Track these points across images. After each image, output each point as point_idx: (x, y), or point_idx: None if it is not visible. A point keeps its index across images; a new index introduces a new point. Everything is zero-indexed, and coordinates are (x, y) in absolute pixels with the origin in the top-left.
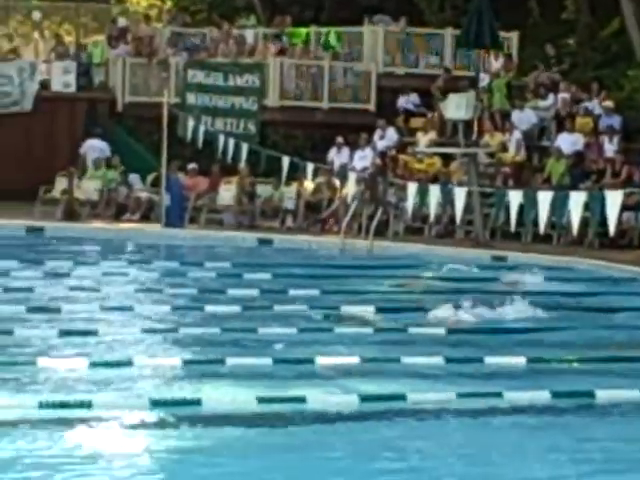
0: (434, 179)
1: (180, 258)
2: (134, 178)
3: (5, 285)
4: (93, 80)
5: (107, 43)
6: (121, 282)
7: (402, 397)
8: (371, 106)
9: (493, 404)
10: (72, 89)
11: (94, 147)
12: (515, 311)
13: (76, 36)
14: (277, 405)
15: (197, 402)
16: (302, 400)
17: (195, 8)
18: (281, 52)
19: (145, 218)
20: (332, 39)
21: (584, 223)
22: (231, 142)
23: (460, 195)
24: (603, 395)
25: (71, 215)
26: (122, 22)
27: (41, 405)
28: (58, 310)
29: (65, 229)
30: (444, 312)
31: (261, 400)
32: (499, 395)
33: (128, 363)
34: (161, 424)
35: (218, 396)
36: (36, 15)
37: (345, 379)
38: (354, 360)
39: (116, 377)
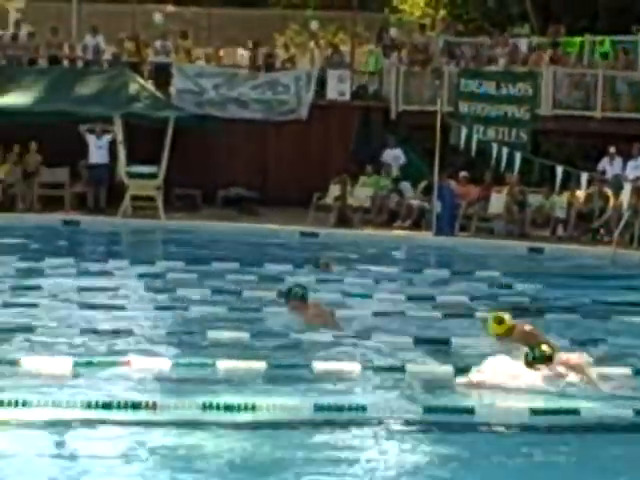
0: None
1: (450, 266)
2: (405, 185)
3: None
4: (367, 89)
5: (381, 52)
6: (392, 288)
7: None
8: None
9: None
10: (346, 97)
11: (390, 155)
12: None
13: (351, 45)
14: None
15: (470, 411)
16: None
17: (468, 17)
18: (554, 61)
19: (416, 225)
20: (607, 48)
21: None
22: (504, 151)
23: None
24: None
25: (344, 221)
26: (395, 31)
27: (316, 408)
28: None
29: (337, 235)
30: None
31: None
32: None
33: (400, 369)
34: (430, 430)
35: (491, 404)
36: (313, 25)
37: None
38: None
39: (389, 382)
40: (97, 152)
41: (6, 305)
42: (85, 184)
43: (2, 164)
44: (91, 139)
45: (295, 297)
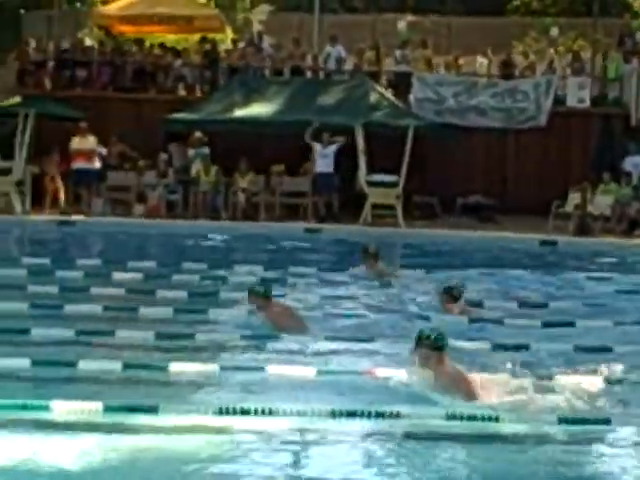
0: None
1: None
2: None
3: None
4: (607, 95)
5: (622, 58)
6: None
7: None
8: None
9: None
10: (586, 105)
11: (631, 163)
12: None
13: (592, 52)
14: None
15: None
16: None
17: None
18: None
19: None
20: None
21: None
22: None
23: None
24: None
25: (583, 230)
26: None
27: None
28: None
29: (577, 243)
30: None
31: None
32: None
33: None
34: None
35: None
36: (553, 31)
37: None
38: None
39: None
40: (322, 161)
41: None
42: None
43: (246, 174)
44: (317, 148)
45: (257, 295)
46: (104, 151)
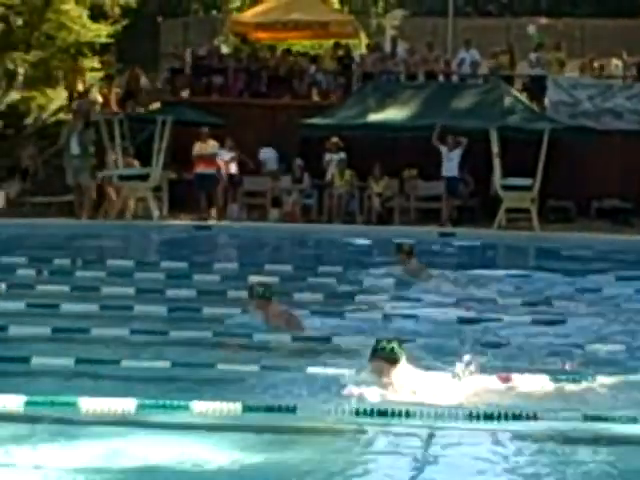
0: None
1: None
2: None
3: None
4: None
5: None
6: None
7: None
8: None
9: None
10: None
11: None
12: None
13: None
14: None
15: None
16: None
17: None
18: None
19: None
20: None
21: None
22: None
23: None
24: None
25: None
26: None
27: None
28: None
29: None
30: None
31: None
32: None
33: None
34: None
35: None
36: None
37: None
38: None
39: None
40: (447, 164)
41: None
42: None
43: (381, 178)
44: (443, 151)
45: (257, 296)
46: (227, 156)
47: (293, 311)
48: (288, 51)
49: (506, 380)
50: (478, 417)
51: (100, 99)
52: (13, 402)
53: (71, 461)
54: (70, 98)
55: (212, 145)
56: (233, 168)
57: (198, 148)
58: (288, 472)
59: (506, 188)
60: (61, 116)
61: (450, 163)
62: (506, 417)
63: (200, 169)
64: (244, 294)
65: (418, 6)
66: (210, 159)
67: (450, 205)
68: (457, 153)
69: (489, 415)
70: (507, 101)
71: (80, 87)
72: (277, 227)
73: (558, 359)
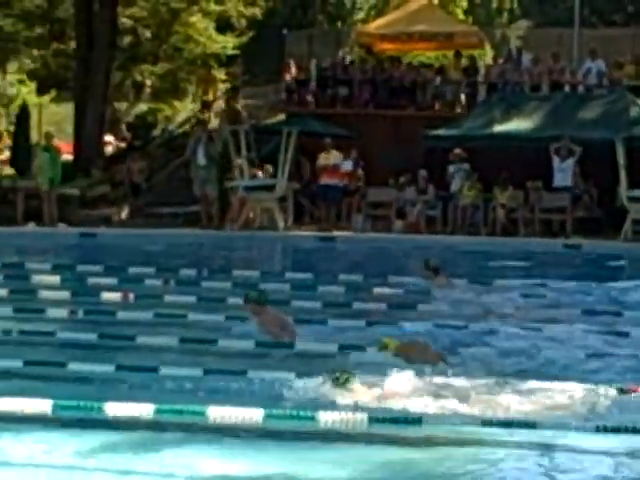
0: None
1: None
2: None
3: None
4: None
5: None
6: None
7: None
8: None
9: None
10: None
11: None
12: None
13: None
14: None
15: None
16: None
17: None
18: None
19: None
20: None
21: None
22: None
23: None
24: None
25: None
26: None
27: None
28: None
29: None
30: None
31: None
32: None
33: None
34: None
35: None
36: None
37: None
38: None
39: None
40: (558, 175)
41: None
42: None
43: (505, 189)
44: (555, 161)
45: (250, 301)
46: (351, 167)
47: (287, 317)
48: (413, 62)
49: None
50: (606, 429)
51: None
52: (144, 410)
53: (199, 470)
54: (202, 108)
55: (335, 156)
56: (357, 179)
57: (322, 159)
58: None
59: (632, 199)
60: (188, 127)
61: (562, 174)
62: (634, 431)
63: (324, 180)
64: (370, 305)
65: (543, 17)
66: (333, 170)
67: (571, 217)
68: (569, 163)
69: (616, 429)
70: (633, 111)
71: (210, 97)
72: (401, 238)
73: None
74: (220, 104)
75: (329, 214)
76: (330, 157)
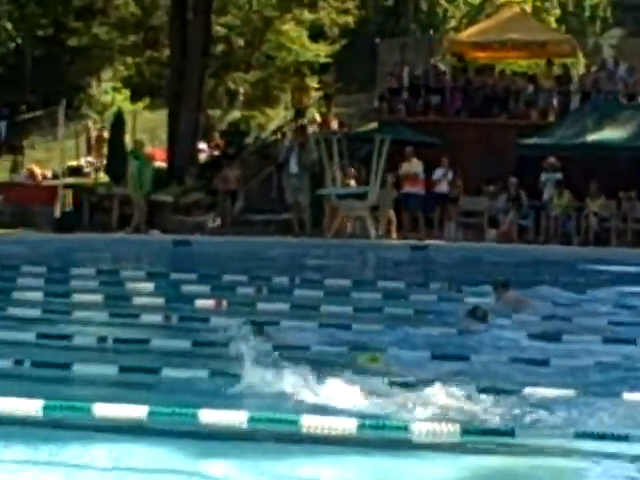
0: None
1: None
2: None
3: None
4: None
5: None
6: None
7: None
8: None
9: None
10: None
11: None
12: None
13: None
14: None
15: None
16: None
17: None
18: None
19: None
20: None
21: None
22: None
23: None
24: None
25: None
26: None
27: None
28: None
29: None
30: None
31: None
32: None
33: None
34: None
35: None
36: None
37: None
38: None
39: None
40: None
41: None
42: None
43: (597, 198)
44: None
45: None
46: (442, 175)
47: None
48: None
49: None
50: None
51: (319, 118)
52: (237, 418)
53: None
54: (295, 116)
55: (416, 164)
56: (445, 187)
57: (404, 167)
58: None
59: None
60: (279, 135)
61: None
62: None
63: (406, 188)
64: (460, 314)
65: (636, 25)
66: (414, 178)
67: None
68: None
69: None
70: None
71: (304, 105)
72: (493, 247)
73: None
74: (313, 112)
75: (417, 223)
76: (412, 165)
